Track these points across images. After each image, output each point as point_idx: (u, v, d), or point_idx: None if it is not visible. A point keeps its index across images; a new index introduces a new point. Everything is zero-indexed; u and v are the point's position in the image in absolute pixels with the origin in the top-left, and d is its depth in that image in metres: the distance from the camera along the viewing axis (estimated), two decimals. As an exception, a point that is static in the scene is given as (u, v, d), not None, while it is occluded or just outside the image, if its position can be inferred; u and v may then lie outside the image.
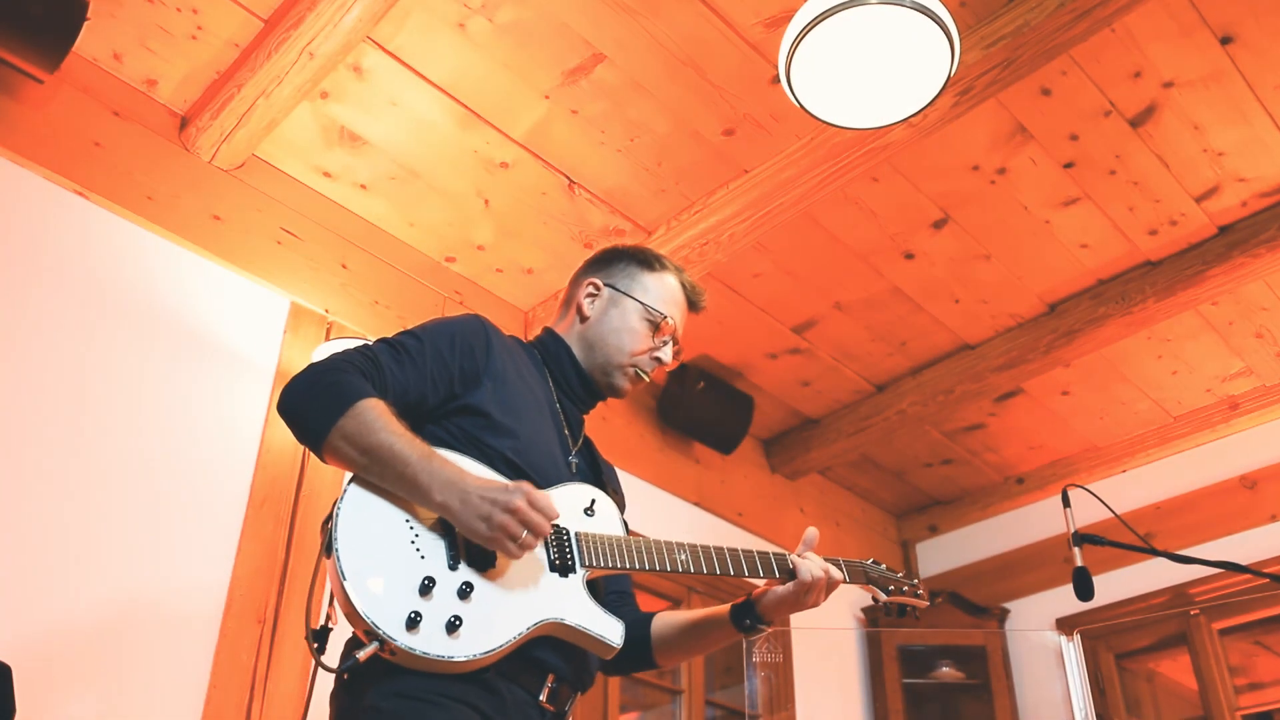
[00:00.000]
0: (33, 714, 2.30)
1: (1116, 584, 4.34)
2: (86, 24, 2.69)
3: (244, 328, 3.18)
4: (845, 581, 1.92)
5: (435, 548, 1.56)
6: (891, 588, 2.03)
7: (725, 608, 1.90)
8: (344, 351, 1.70)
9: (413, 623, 1.46)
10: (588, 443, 1.97)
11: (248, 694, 2.75)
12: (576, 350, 1.96)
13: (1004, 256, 3.81)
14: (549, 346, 1.98)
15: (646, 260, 2.02)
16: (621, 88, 3.14)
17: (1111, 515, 2.56)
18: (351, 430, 1.55)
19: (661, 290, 1.99)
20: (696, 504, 4.38)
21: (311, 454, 3.06)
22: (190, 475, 2.88)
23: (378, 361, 1.68)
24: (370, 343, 1.75)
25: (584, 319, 1.98)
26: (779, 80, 2.56)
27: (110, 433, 2.76)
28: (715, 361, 4.31)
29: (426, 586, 1.50)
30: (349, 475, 1.60)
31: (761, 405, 4.51)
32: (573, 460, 1.86)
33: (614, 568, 1.72)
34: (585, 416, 2.00)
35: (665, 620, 1.93)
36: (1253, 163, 3.42)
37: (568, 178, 3.46)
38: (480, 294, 3.82)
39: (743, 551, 1.86)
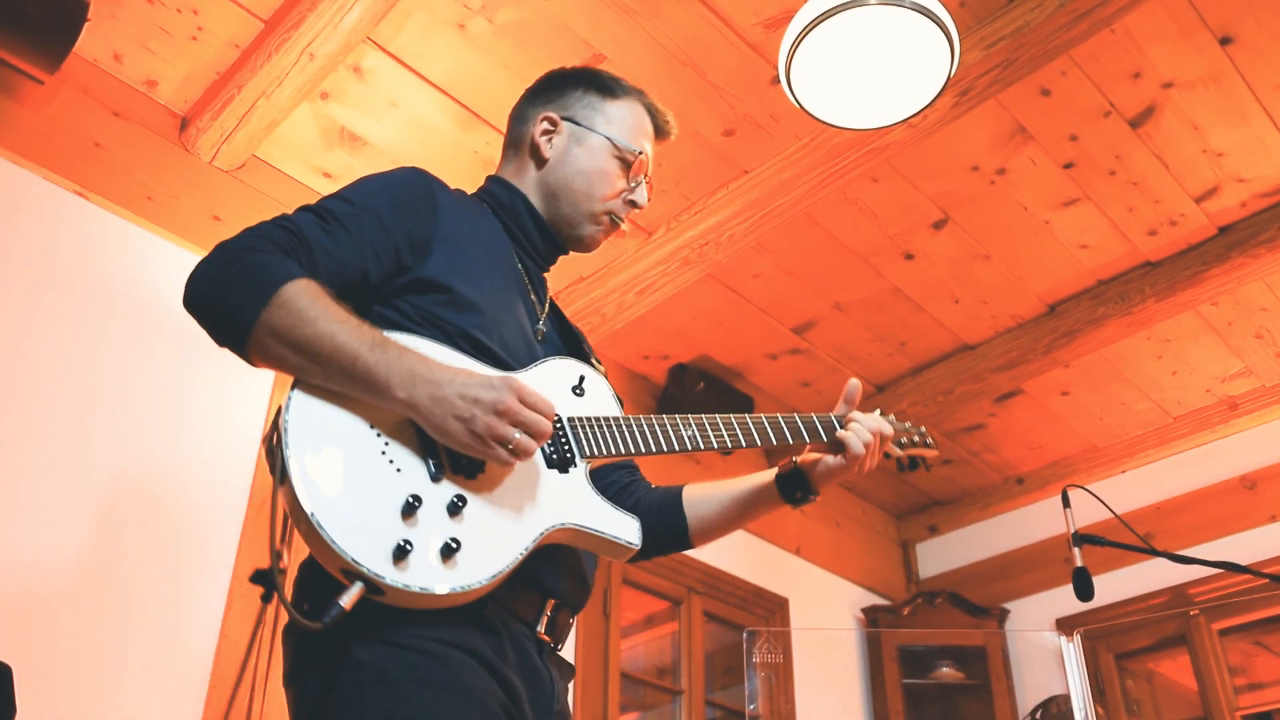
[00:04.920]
0: (33, 714, 2.30)
1: (1116, 584, 4.35)
2: (87, 25, 2.69)
3: (244, 328, 3.18)
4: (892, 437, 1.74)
5: (411, 458, 1.31)
6: (904, 440, 1.85)
7: (769, 476, 1.72)
8: (258, 225, 1.38)
9: (402, 553, 1.21)
10: (554, 307, 1.71)
11: (248, 694, 2.75)
12: (535, 199, 1.69)
13: (1004, 257, 3.81)
14: (501, 197, 1.70)
15: (606, 85, 1.74)
16: (621, 88, 3.15)
17: (1111, 515, 2.57)
18: (281, 323, 1.28)
19: (629, 120, 1.71)
20: (696, 504, 4.37)
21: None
22: (190, 475, 2.88)
23: (302, 235, 1.38)
24: (289, 213, 1.43)
25: (542, 162, 1.70)
26: (779, 81, 2.57)
27: (110, 433, 2.77)
28: (715, 362, 4.32)
29: (410, 506, 1.25)
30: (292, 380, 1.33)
31: (761, 405, 4.51)
32: (540, 328, 1.62)
33: (619, 454, 1.50)
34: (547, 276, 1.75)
35: (700, 495, 1.74)
36: (1252, 163, 3.42)
37: (568, 178, 3.46)
38: (480, 294, 3.82)
39: (766, 418, 1.66)
